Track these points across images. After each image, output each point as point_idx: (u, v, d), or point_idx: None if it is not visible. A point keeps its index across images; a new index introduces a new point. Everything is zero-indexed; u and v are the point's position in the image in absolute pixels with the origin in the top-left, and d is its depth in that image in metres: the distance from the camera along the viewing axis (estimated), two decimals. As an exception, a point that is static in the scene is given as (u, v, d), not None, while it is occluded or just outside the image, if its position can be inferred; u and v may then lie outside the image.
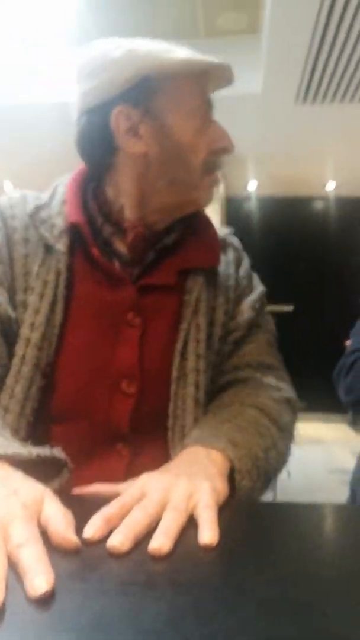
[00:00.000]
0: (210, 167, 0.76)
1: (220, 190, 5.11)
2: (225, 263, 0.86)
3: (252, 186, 5.85)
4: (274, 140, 4.64)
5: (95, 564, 0.41)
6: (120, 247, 0.78)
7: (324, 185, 5.93)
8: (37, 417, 0.72)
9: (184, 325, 0.77)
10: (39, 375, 0.71)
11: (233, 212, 6.05)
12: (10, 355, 0.73)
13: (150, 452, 0.75)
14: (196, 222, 0.84)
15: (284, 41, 3.19)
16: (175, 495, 0.50)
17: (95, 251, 0.76)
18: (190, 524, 0.48)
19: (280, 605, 0.35)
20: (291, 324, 5.59)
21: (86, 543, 0.44)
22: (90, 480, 0.61)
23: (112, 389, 0.74)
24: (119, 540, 0.43)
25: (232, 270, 0.87)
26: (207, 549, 0.44)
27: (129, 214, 0.77)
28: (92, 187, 0.81)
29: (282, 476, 3.09)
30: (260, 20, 3.52)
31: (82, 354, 0.74)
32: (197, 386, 0.75)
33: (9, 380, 0.71)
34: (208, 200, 0.79)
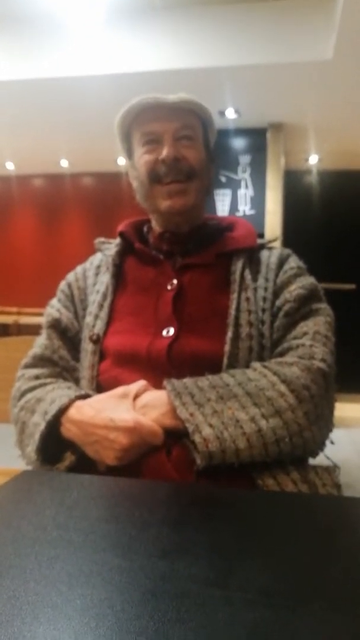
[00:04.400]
0: (153, 178, 1.00)
1: (280, 163, 4.95)
2: (268, 257, 1.04)
3: (313, 159, 5.64)
4: (340, 110, 4.43)
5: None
6: (162, 245, 1.06)
7: (390, 158, 5.66)
8: (97, 372, 0.98)
9: (234, 296, 0.95)
10: (91, 345, 0.97)
11: (292, 185, 5.83)
12: (76, 357, 1.02)
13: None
14: (233, 224, 1.10)
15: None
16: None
17: (138, 246, 1.06)
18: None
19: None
20: (354, 302, 5.50)
21: None
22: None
23: (154, 335, 0.94)
24: None
25: (274, 265, 1.02)
26: None
27: (153, 223, 1.10)
28: None
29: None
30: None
31: (129, 315, 0.99)
32: (250, 350, 0.91)
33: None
34: (165, 205, 1.00)
